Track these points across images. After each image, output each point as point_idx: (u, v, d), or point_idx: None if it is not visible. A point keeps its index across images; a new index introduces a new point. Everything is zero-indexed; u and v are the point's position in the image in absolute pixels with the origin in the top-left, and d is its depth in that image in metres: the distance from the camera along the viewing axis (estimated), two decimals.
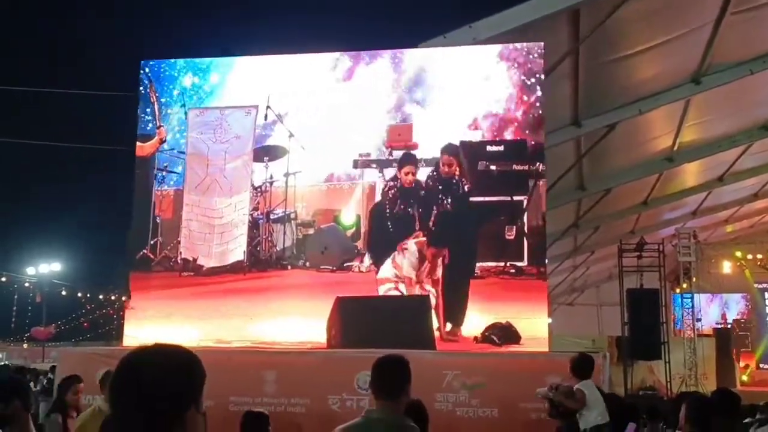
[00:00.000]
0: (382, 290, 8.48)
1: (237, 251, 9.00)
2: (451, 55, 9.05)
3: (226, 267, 8.97)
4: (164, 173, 9.29)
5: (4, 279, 34.75)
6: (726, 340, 20.45)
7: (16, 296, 36.11)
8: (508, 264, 8.47)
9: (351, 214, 8.89)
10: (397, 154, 8.75)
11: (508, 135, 8.64)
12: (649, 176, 14.40)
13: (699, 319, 18.46)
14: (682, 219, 18.47)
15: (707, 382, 16.50)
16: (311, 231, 8.97)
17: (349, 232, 8.88)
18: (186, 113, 9.32)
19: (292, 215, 8.97)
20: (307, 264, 8.89)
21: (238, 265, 8.95)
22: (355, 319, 8.01)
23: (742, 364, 21.14)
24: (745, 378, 20.38)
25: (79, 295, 38.44)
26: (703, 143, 13.54)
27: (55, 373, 10.20)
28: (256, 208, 9.04)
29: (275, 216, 9.00)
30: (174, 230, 9.15)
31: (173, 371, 1.66)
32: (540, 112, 8.59)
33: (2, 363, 25.65)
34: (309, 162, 8.95)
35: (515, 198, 8.55)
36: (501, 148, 8.60)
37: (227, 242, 9.02)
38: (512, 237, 8.45)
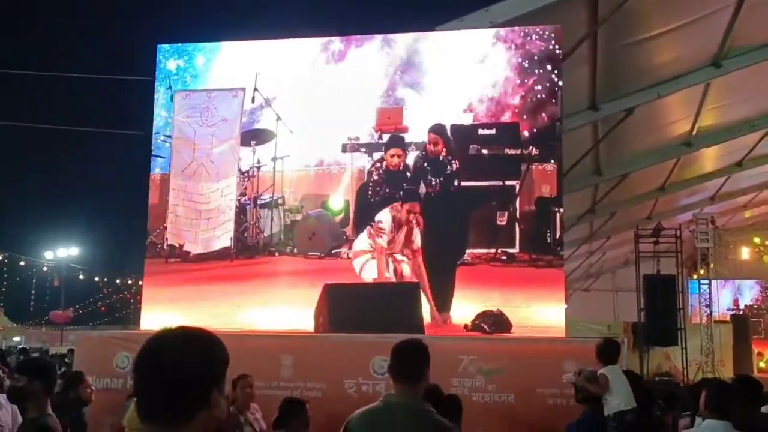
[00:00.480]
0: (358, 264, 8.41)
1: (224, 237, 8.91)
2: (446, 37, 8.86)
3: (212, 253, 8.89)
4: (152, 157, 9.22)
5: (22, 263, 35.17)
6: (743, 326, 20.30)
7: (34, 280, 36.52)
8: (499, 251, 8.32)
9: (339, 199, 8.78)
10: (388, 137, 8.63)
11: (505, 119, 8.49)
12: (666, 161, 14.25)
13: (707, 305, 18.30)
14: (699, 204, 18.29)
15: (724, 368, 16.42)
16: (299, 217, 8.85)
17: (338, 218, 8.78)
18: (172, 96, 9.21)
19: (280, 201, 8.85)
20: (295, 250, 8.79)
21: (225, 251, 8.87)
22: (344, 306, 7.95)
23: (755, 351, 20.99)
24: (762, 365, 20.22)
25: (97, 279, 38.81)
26: (723, 128, 13.36)
27: (73, 356, 10.32)
28: (243, 194, 8.91)
29: (263, 201, 8.88)
30: (160, 216, 9.09)
31: (195, 354, 1.67)
32: (540, 96, 8.39)
33: (21, 346, 25.97)
34: (297, 146, 8.82)
35: (507, 183, 8.40)
36: (493, 131, 8.46)
37: (214, 228, 8.94)
38: (504, 223, 8.33)
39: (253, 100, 8.94)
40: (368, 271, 8.46)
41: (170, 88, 9.23)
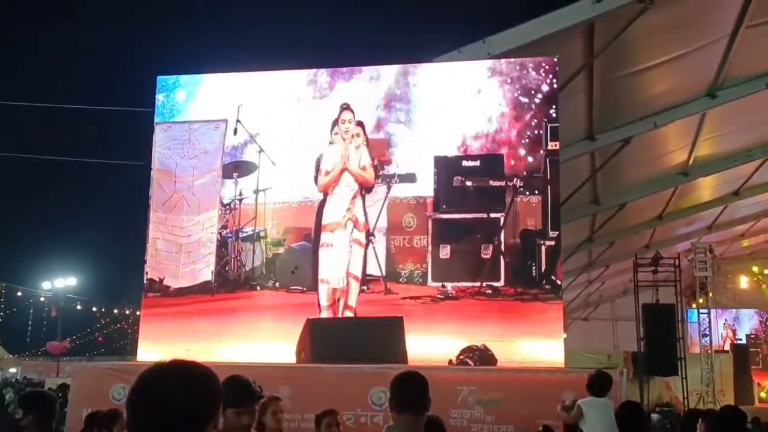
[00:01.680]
0: (327, 238, 8.39)
1: (205, 271, 8.81)
2: (438, 70, 8.84)
3: (193, 288, 8.77)
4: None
5: (19, 294, 35.03)
6: (744, 356, 20.20)
7: (31, 311, 36.34)
8: (484, 284, 8.23)
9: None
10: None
11: (527, 166, 8.44)
12: (664, 190, 14.30)
13: (705, 335, 18.23)
14: (697, 233, 18.31)
15: (725, 398, 16.29)
16: (281, 250, 8.73)
17: None
18: (154, 127, 9.22)
19: (262, 233, 8.73)
20: (277, 284, 8.67)
21: (206, 285, 8.77)
22: (326, 341, 7.88)
23: (755, 381, 20.87)
24: (763, 395, 20.09)
25: (94, 309, 38.60)
26: (719, 157, 13.43)
27: (64, 390, 10.20)
28: (224, 226, 8.82)
29: (244, 234, 8.78)
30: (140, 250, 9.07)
31: (193, 389, 1.66)
32: (537, 131, 8.41)
33: (16, 378, 25.75)
34: (280, 178, 8.76)
35: (492, 215, 8.36)
36: (477, 162, 8.44)
37: (195, 261, 8.83)
38: (488, 256, 8.26)
39: (235, 132, 8.89)
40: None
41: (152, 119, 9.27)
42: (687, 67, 10.37)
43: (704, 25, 9.60)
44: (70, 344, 35.15)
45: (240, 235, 8.79)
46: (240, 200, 8.80)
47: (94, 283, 38.82)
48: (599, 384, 6.10)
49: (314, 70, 9.09)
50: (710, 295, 17.83)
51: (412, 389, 3.42)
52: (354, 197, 8.51)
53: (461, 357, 7.78)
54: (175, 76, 9.50)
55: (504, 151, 8.46)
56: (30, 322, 36.67)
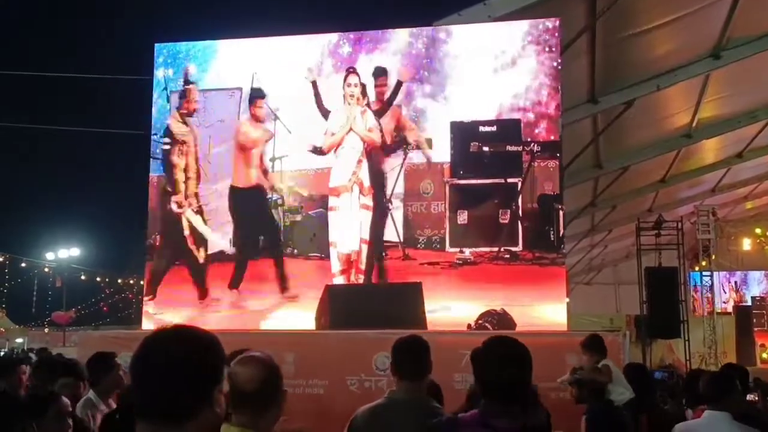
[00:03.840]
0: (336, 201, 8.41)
1: (223, 239, 8.84)
2: (470, 35, 8.60)
3: (212, 255, 8.82)
4: (151, 159, 9.13)
5: (24, 264, 35.19)
6: (746, 318, 20.30)
7: (36, 282, 36.57)
8: (502, 249, 8.26)
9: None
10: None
11: (541, 132, 8.37)
12: (667, 153, 14.23)
13: (710, 297, 18.32)
14: (700, 196, 18.28)
15: (727, 360, 16.40)
16: (299, 217, 8.73)
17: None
18: (168, 97, 9.12)
19: (279, 201, 8.73)
20: (296, 251, 8.69)
21: (224, 253, 8.79)
22: (345, 307, 7.85)
23: (758, 343, 21.01)
24: (765, 356, 20.24)
25: (98, 279, 38.82)
26: (723, 119, 13.34)
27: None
28: None
29: None
30: (158, 218, 9.06)
31: (199, 352, 1.67)
32: (543, 90, 8.34)
33: (22, 348, 26.01)
34: (296, 146, 8.72)
35: (509, 180, 8.33)
36: (494, 128, 8.36)
37: (213, 230, 8.86)
38: (506, 221, 8.26)
39: (250, 100, 8.84)
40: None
41: (165, 89, 9.14)
42: (690, 28, 10.23)
43: None
44: (76, 314, 35.42)
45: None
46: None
47: (97, 253, 39.04)
48: (600, 344, 6.23)
49: (336, 39, 8.87)
50: (713, 257, 17.84)
51: (412, 354, 3.44)
52: (359, 161, 8.48)
53: (480, 321, 7.79)
54: (185, 43, 9.38)
55: (542, 126, 8.36)
56: (35, 293, 36.93)
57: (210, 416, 1.65)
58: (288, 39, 9.25)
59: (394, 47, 8.74)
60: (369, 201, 8.47)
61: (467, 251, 8.32)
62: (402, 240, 8.42)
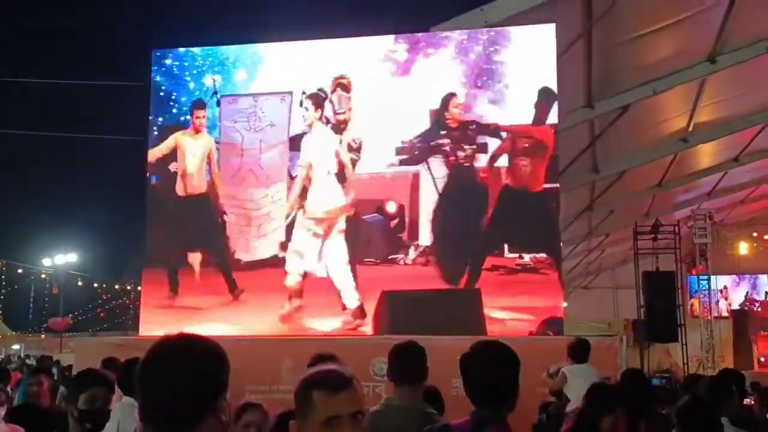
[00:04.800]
0: None
1: (275, 244, 8.69)
2: (531, 36, 8.47)
3: (264, 260, 8.67)
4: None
5: (20, 271, 35.09)
6: (743, 322, 20.32)
7: (33, 288, 36.47)
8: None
9: (395, 204, 8.55)
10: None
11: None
12: (663, 157, 14.26)
13: (717, 301, 18.34)
14: (697, 200, 18.31)
15: (724, 364, 16.42)
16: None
17: (393, 223, 8.52)
18: (218, 101, 9.03)
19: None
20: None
21: (276, 258, 8.63)
22: (403, 313, 7.79)
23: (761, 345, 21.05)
24: (762, 359, 20.26)
25: (95, 285, 38.74)
26: (719, 123, 13.37)
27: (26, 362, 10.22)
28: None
29: None
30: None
31: (207, 361, 1.70)
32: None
33: (19, 354, 25.92)
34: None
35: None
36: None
37: (265, 234, 8.73)
38: None
39: (301, 104, 8.71)
40: None
41: (216, 93, 9.04)
42: (686, 33, 10.27)
43: None
44: (72, 320, 35.32)
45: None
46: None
47: (94, 259, 38.90)
48: (578, 351, 6.33)
49: (390, 43, 8.78)
50: (710, 261, 17.86)
51: (409, 360, 3.44)
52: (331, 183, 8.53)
53: (541, 328, 7.83)
54: (234, 49, 9.27)
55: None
56: (31, 299, 36.84)
57: (214, 424, 1.67)
58: (336, 42, 9.10)
59: (451, 52, 8.63)
60: (342, 225, 8.50)
61: (527, 257, 8.28)
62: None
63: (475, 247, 8.34)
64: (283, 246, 8.61)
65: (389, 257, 8.51)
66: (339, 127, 8.59)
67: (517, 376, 2.72)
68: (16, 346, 32.60)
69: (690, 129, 13.13)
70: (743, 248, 21.75)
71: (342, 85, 8.59)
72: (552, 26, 8.46)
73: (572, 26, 9.16)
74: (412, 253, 8.36)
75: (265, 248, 8.71)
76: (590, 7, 8.96)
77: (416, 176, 8.49)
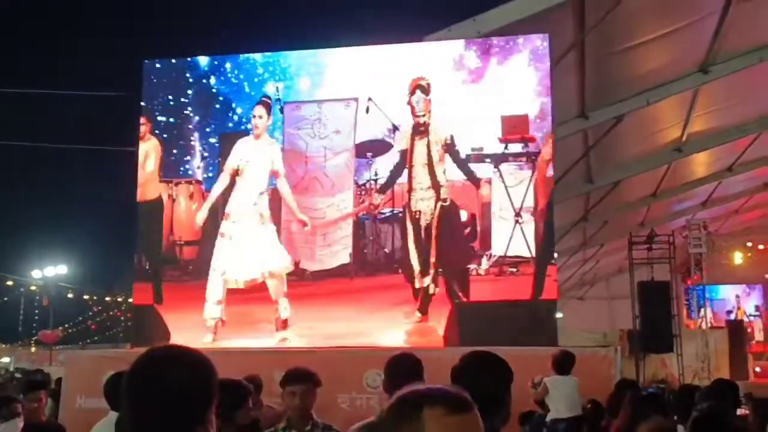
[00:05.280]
0: None
1: (342, 253, 8.47)
2: None
3: (331, 270, 8.45)
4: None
5: (10, 283, 34.89)
6: (739, 332, 20.31)
7: (22, 300, 36.25)
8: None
9: (465, 212, 8.32)
10: (514, 148, 8.18)
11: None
12: (658, 167, 14.28)
13: (729, 311, 18.30)
14: (692, 210, 18.34)
15: (720, 374, 16.37)
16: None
17: (465, 232, 8.31)
18: (282, 108, 8.80)
19: (401, 215, 8.37)
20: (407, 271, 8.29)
21: (344, 268, 8.43)
22: (475, 324, 7.62)
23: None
24: (758, 370, 20.22)
25: (86, 297, 38.54)
26: (712, 133, 13.40)
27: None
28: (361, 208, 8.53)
29: (382, 216, 8.45)
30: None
31: (197, 374, 1.66)
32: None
33: (7, 368, 25.72)
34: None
35: None
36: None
37: (330, 244, 8.51)
38: None
39: (367, 111, 8.46)
40: None
41: (279, 99, 8.80)
42: (679, 43, 10.29)
43: None
44: (63, 333, 35.13)
45: (378, 217, 8.50)
46: (376, 180, 8.46)
47: (85, 271, 38.68)
48: (562, 363, 6.55)
49: (460, 48, 8.55)
50: (704, 271, 17.87)
51: (405, 371, 3.39)
52: (262, 192, 8.44)
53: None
54: (296, 55, 9.06)
55: None
56: (21, 311, 36.60)
57: None
58: (401, 47, 8.90)
59: (526, 57, 8.43)
60: (272, 231, 8.40)
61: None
62: (534, 255, 8.08)
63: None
64: (354, 256, 8.45)
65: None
66: (419, 130, 8.31)
67: (509, 387, 2.66)
68: (5, 359, 32.36)
69: (684, 139, 13.16)
70: (738, 258, 21.77)
71: (421, 86, 8.32)
72: (545, 36, 8.45)
73: (565, 36, 9.17)
74: (485, 263, 8.12)
75: (332, 258, 8.50)
76: (583, 18, 8.97)
77: (488, 183, 8.24)
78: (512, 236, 8.05)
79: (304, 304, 8.34)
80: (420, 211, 8.20)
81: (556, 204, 8.84)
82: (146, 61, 9.38)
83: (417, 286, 8.10)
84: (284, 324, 8.24)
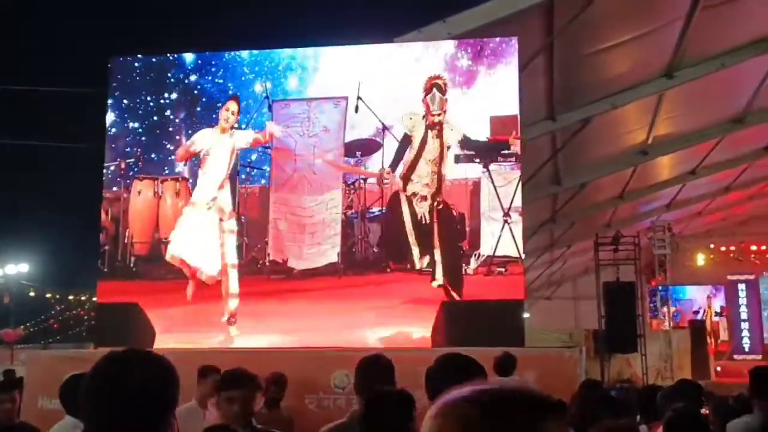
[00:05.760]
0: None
1: (330, 252, 8.41)
2: None
3: (318, 269, 8.39)
4: (248, 169, 8.70)
5: None
6: (700, 332, 20.69)
7: None
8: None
9: (454, 212, 8.28)
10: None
11: None
12: (624, 170, 14.50)
13: (696, 311, 18.68)
14: (657, 212, 18.65)
15: (682, 373, 16.68)
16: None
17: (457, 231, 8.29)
18: (270, 106, 8.72)
19: (391, 207, 8.32)
20: (409, 266, 8.31)
21: (332, 267, 8.36)
22: (459, 324, 7.68)
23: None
24: (719, 369, 20.64)
25: (48, 296, 37.87)
26: (676, 137, 13.65)
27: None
28: (349, 206, 8.45)
29: (371, 215, 8.42)
30: (261, 230, 8.60)
31: (161, 376, 1.68)
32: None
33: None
34: (405, 157, 8.34)
35: None
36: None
37: (319, 243, 8.48)
38: None
39: (356, 110, 8.42)
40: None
41: (268, 97, 8.71)
42: (645, 48, 10.47)
43: (662, 5, 9.69)
44: (24, 331, 34.46)
45: (367, 216, 8.44)
46: (365, 179, 8.43)
47: (47, 269, 37.97)
48: (502, 365, 6.77)
49: (451, 48, 8.51)
50: (669, 272, 18.19)
51: (377, 373, 3.40)
52: (222, 186, 8.42)
53: None
54: (287, 54, 8.93)
55: None
56: None
57: None
58: (395, 47, 8.87)
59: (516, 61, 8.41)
60: (233, 226, 8.40)
61: None
62: (522, 255, 8.22)
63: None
64: (342, 255, 8.41)
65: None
66: (433, 128, 8.25)
67: None
68: None
69: (649, 142, 13.39)
70: (701, 259, 22.20)
71: (437, 85, 8.26)
72: (514, 40, 8.53)
73: (534, 40, 9.26)
74: (474, 263, 8.12)
75: (320, 256, 8.45)
76: (552, 22, 9.07)
77: (476, 183, 8.27)
78: (501, 236, 8.12)
79: (291, 301, 8.33)
80: (414, 199, 8.19)
81: (524, 205, 8.93)
82: (121, 59, 9.24)
83: (418, 267, 8.12)
84: (233, 317, 8.26)
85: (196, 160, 8.78)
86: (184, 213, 8.52)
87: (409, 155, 8.26)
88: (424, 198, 8.17)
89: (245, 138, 8.56)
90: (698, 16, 9.64)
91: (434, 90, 8.23)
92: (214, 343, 8.12)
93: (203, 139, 8.60)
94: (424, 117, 8.25)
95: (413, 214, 8.21)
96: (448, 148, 8.19)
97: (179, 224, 8.53)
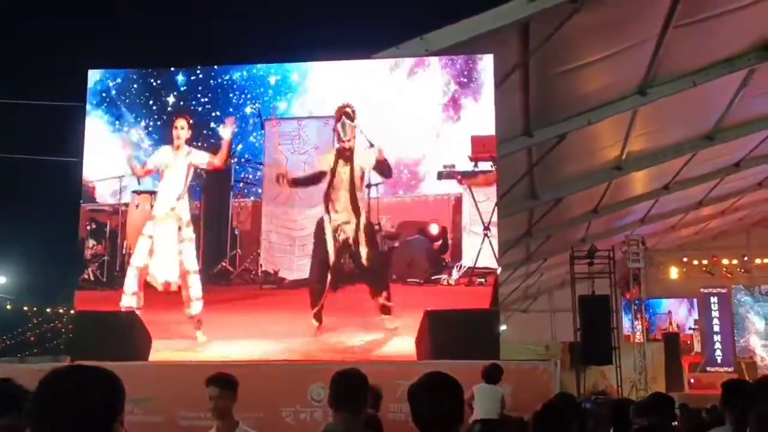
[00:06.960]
0: None
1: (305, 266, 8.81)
2: None
3: (308, 280, 8.78)
4: (242, 184, 9.17)
5: None
6: (674, 344, 20.95)
7: None
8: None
9: (437, 226, 8.78)
10: (483, 166, 8.69)
11: None
12: (598, 185, 14.71)
13: (640, 324, 18.93)
14: (631, 226, 18.89)
15: (656, 386, 16.86)
16: (397, 243, 8.85)
17: (436, 245, 8.77)
18: (262, 124, 9.14)
19: (377, 227, 8.80)
20: (394, 277, 8.77)
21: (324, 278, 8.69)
22: (445, 333, 8.02)
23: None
24: (692, 381, 20.90)
25: (26, 308, 37.29)
26: (650, 153, 13.89)
27: None
28: None
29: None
30: (253, 242, 9.02)
31: (112, 388, 1.75)
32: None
33: None
34: (393, 173, 8.83)
35: None
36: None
37: (309, 254, 8.87)
38: None
39: (343, 127, 8.80)
40: None
41: (260, 115, 9.13)
42: (619, 66, 10.67)
43: (635, 24, 9.90)
44: (1, 344, 33.91)
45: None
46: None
47: (24, 281, 37.39)
48: (489, 374, 7.39)
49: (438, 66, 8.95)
50: (643, 286, 18.39)
51: (350, 387, 3.44)
52: (180, 197, 8.86)
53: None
54: (276, 71, 9.28)
55: None
56: None
57: None
58: (381, 62, 9.19)
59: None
60: (191, 234, 8.81)
61: None
62: (499, 267, 8.82)
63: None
64: (332, 266, 8.73)
65: (432, 278, 8.73)
66: (345, 155, 8.74)
67: (461, 405, 2.76)
68: None
69: (624, 157, 13.60)
70: (674, 273, 22.51)
71: (347, 113, 8.74)
72: (490, 57, 8.68)
73: (510, 57, 9.42)
74: (455, 274, 8.57)
75: (309, 268, 8.85)
76: (527, 39, 9.23)
77: (458, 199, 8.73)
78: (481, 249, 8.56)
79: (281, 311, 8.70)
80: (340, 228, 8.66)
81: (500, 219, 9.06)
82: (95, 70, 9.40)
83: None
84: (199, 322, 8.59)
85: (156, 176, 9.12)
86: (146, 225, 8.85)
87: (323, 186, 8.76)
88: (347, 222, 8.63)
89: (202, 158, 8.98)
90: (670, 36, 9.87)
91: (343, 118, 8.74)
92: (179, 347, 8.37)
93: (160, 156, 9.04)
94: (336, 151, 8.75)
95: (335, 239, 8.67)
96: (362, 169, 8.67)
97: (141, 236, 8.84)
